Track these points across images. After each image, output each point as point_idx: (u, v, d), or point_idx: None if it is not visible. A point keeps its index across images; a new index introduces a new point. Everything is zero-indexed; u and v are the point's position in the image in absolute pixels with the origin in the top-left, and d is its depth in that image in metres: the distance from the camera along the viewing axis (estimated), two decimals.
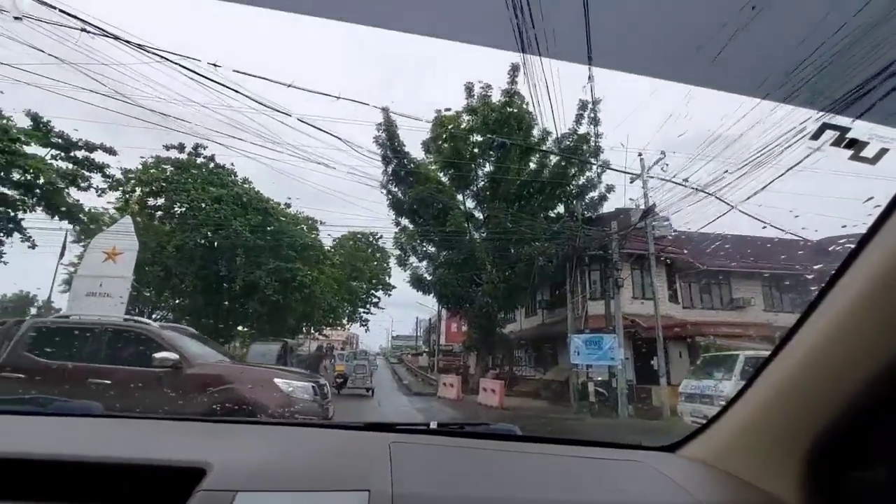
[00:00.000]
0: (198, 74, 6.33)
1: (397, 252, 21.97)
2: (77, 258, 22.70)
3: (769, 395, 1.09)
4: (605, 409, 14.99)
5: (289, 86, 6.95)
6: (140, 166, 24.54)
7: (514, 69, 17.90)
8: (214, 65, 6.19)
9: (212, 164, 25.64)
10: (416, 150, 20.53)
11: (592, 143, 17.95)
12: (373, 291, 37.55)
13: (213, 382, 5.47)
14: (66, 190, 20.74)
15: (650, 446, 1.50)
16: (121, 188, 23.90)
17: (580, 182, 19.15)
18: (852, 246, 0.87)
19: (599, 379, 16.11)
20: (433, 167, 20.72)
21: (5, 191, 19.28)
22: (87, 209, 22.30)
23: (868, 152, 1.07)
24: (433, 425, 1.59)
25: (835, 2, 1.86)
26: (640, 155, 15.84)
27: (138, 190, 24.14)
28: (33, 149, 19.01)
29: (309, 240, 26.81)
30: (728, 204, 9.13)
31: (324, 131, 10.30)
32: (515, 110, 18.27)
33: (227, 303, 25.97)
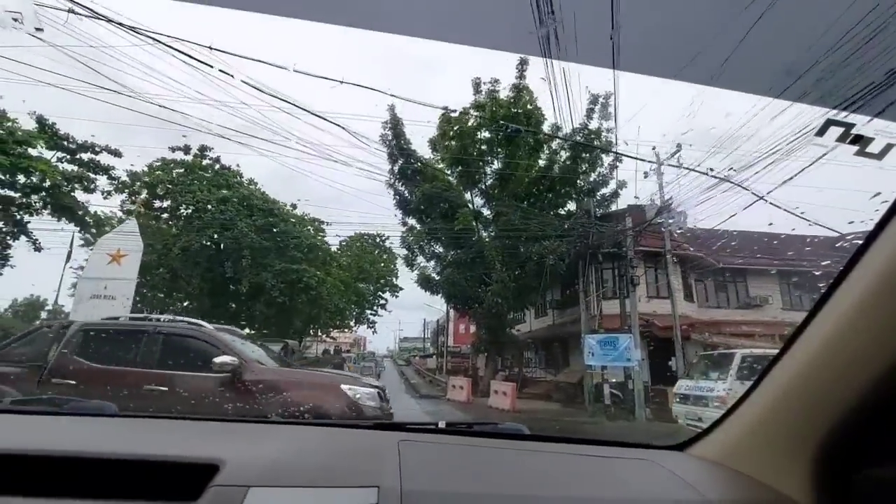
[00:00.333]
0: (195, 59, 6.02)
1: (404, 252, 21.59)
2: (85, 261, 22.66)
3: (778, 393, 1.10)
4: (622, 412, 14.51)
5: (291, 70, 6.60)
6: (146, 168, 24.50)
7: (523, 63, 17.51)
8: (210, 47, 5.87)
9: (217, 166, 25.53)
10: (423, 149, 20.23)
11: (604, 138, 17.45)
12: (380, 293, 37.36)
13: (276, 388, 5.16)
14: (72, 193, 20.67)
15: (659, 445, 1.49)
16: (127, 190, 23.84)
17: (591, 178, 18.67)
18: (860, 242, 0.85)
19: (614, 380, 15.62)
20: (440, 165, 20.36)
21: (11, 193, 19.20)
22: (93, 212, 22.27)
23: (874, 148, 1.07)
24: (442, 424, 1.60)
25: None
26: (653, 148, 15.38)
27: (144, 192, 24.06)
28: (38, 151, 19.06)
29: (316, 241, 26.60)
30: (756, 194, 8.70)
31: (328, 121, 9.96)
32: (522, 109, 17.81)
33: (233, 305, 25.82)
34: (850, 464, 0.98)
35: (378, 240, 34.58)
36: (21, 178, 18.89)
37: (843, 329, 0.89)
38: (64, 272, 24.01)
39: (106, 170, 21.51)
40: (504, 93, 18.32)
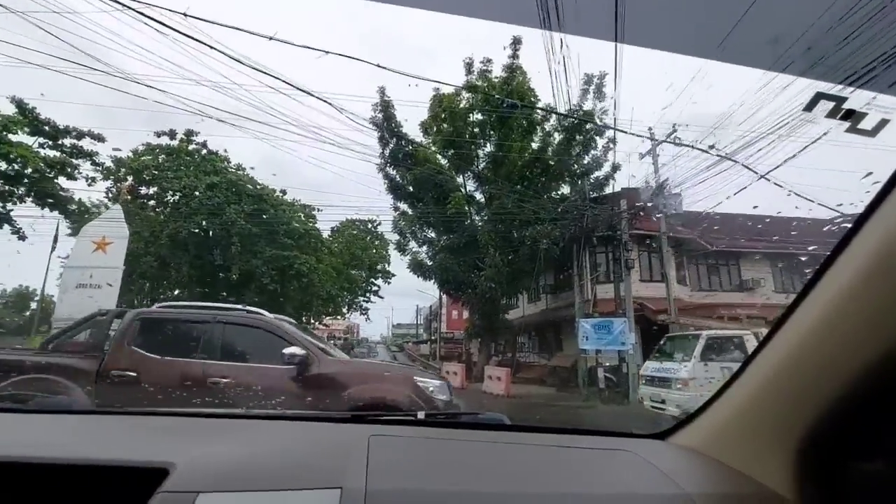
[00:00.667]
0: (168, 27, 5.63)
1: (396, 237, 21.36)
2: (71, 250, 22.24)
3: (763, 380, 1.06)
4: (616, 395, 14.52)
5: (270, 38, 6.25)
6: (131, 154, 23.93)
7: (516, 43, 17.12)
8: (185, 14, 5.50)
9: (204, 151, 24.99)
10: (414, 132, 19.89)
11: (599, 118, 17.19)
12: (372, 280, 37.15)
13: (347, 381, 4.89)
14: (56, 179, 20.15)
15: (641, 434, 1.47)
16: (112, 177, 23.30)
17: (586, 161, 18.45)
18: (849, 226, 0.81)
19: (608, 364, 15.63)
20: (432, 148, 20.04)
21: None
22: (77, 199, 21.77)
23: (866, 124, 1.01)
24: (421, 416, 1.54)
25: None
26: (650, 129, 15.18)
27: (130, 178, 23.54)
28: (19, 137, 18.50)
29: (306, 227, 26.26)
30: (755, 172, 8.55)
31: (315, 95, 9.54)
32: (515, 88, 17.46)
33: (224, 293, 25.50)
34: (837, 456, 0.94)
35: (370, 225, 34.30)
36: (2, 165, 18.37)
37: (830, 315, 0.86)
38: (50, 261, 23.61)
39: (89, 155, 20.99)
40: (497, 72, 18.00)
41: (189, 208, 22.08)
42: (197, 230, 22.78)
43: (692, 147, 10.67)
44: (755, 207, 12.95)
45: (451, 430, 1.47)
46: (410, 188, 19.35)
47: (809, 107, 1.11)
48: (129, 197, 22.79)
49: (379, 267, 36.42)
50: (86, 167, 21.10)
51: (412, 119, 37.64)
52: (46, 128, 19.70)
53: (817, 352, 0.91)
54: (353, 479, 0.97)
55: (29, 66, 12.09)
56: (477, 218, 19.79)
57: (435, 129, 19.33)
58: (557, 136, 18.62)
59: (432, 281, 21.34)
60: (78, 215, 21.62)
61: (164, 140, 24.23)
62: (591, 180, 18.50)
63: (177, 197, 23.06)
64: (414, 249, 21.00)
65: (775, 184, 8.32)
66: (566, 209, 17.14)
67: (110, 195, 23.50)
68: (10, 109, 18.62)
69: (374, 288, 37.60)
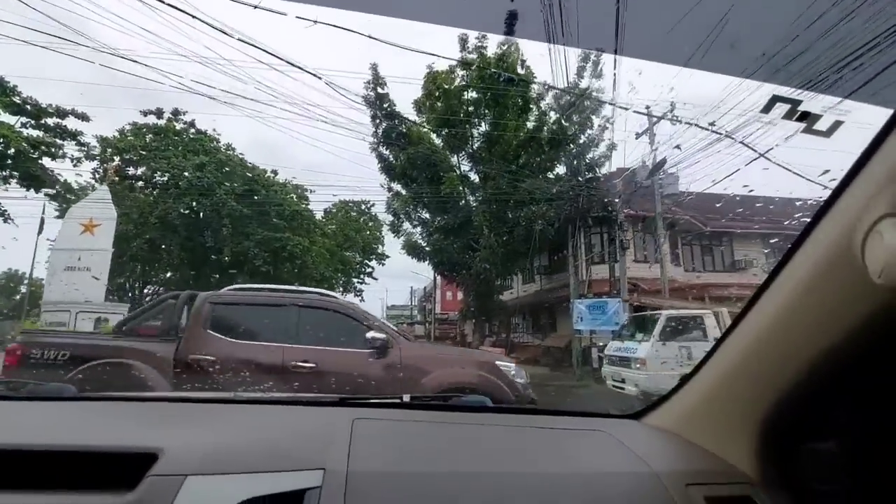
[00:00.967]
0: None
1: (390, 219, 21.13)
2: (59, 232, 21.85)
3: (728, 366, 1.11)
4: None
5: (255, 7, 5.99)
6: (117, 134, 23.38)
7: (512, 17, 16.68)
8: None
9: (192, 130, 24.47)
10: (407, 110, 19.49)
11: (596, 96, 16.90)
12: (366, 261, 36.96)
13: (429, 365, 4.83)
14: (40, 160, 19.63)
15: (616, 414, 1.53)
16: (98, 157, 22.78)
17: (581, 141, 18.19)
18: (808, 220, 0.86)
19: (602, 344, 15.69)
20: (426, 127, 19.68)
21: None
22: (63, 180, 21.27)
23: (822, 125, 1.06)
24: (406, 398, 1.55)
25: None
26: (647, 108, 14.95)
27: (116, 159, 23.04)
28: (1, 117, 17.92)
29: (299, 208, 25.94)
30: (755, 150, 8.45)
31: (303, 69, 9.23)
32: (510, 64, 17.07)
33: (216, 276, 25.29)
34: (794, 438, 1.00)
35: (363, 207, 33.97)
36: None
37: (793, 304, 0.89)
38: (37, 244, 23.22)
39: (74, 135, 20.42)
40: (493, 49, 17.58)
41: (178, 189, 21.71)
42: (187, 211, 22.45)
43: (691, 124, 10.51)
44: (749, 188, 12.89)
45: (435, 412, 1.52)
46: (407, 170, 19.03)
47: (766, 109, 1.17)
48: (116, 178, 22.31)
49: (368, 250, 36.22)
50: (70, 147, 20.61)
51: (406, 97, 37.04)
52: (28, 107, 19.10)
53: (776, 339, 0.95)
54: (336, 461, 1.00)
55: (6, 40, 11.62)
56: (472, 198, 19.56)
57: (429, 105, 18.95)
58: (553, 115, 18.32)
59: (427, 262, 21.23)
60: (64, 197, 21.18)
61: (151, 119, 23.70)
62: (587, 160, 18.28)
63: (165, 178, 22.64)
64: (408, 231, 20.83)
65: (775, 163, 8.21)
66: (561, 189, 16.97)
67: (97, 176, 23.05)
68: None
69: (369, 269, 37.45)
